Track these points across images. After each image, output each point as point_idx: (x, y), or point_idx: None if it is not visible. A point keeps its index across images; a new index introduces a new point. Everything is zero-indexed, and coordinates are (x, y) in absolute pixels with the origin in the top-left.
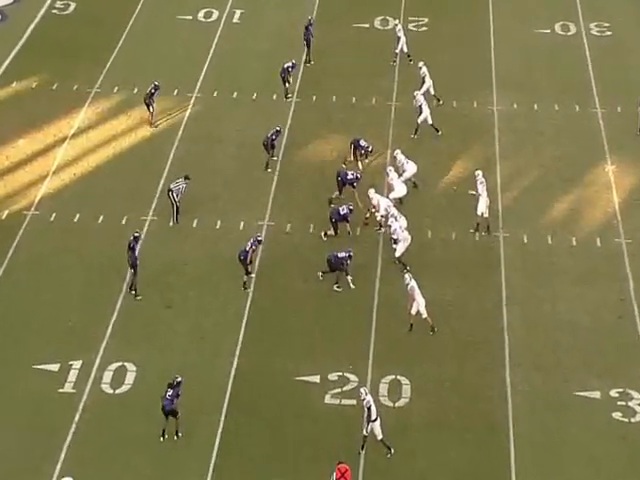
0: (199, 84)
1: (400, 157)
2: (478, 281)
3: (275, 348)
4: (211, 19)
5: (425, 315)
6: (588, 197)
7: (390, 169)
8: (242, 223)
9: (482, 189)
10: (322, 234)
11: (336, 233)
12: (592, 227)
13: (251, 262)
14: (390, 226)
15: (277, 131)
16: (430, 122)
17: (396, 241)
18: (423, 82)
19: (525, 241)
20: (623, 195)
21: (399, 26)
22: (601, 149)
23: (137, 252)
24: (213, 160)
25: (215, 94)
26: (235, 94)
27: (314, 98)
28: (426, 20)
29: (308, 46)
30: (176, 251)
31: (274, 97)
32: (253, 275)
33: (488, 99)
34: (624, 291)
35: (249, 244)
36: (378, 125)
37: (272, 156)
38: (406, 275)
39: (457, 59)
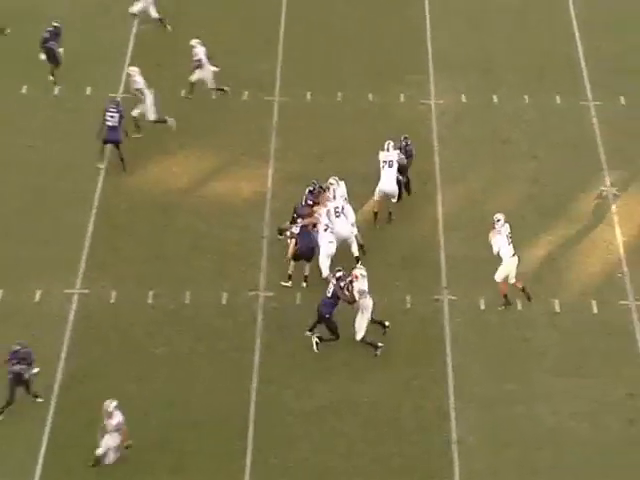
0: None
1: None
2: None
3: None
4: None
5: None
6: (580, 238)
7: None
8: (38, 293)
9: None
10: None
11: None
12: (586, 285)
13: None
14: None
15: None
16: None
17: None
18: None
19: (483, 307)
20: (630, 234)
21: None
22: (597, 163)
23: None
24: None
25: None
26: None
27: None
28: None
29: (54, 61)
30: None
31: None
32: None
33: (422, 88)
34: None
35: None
36: None
37: None
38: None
39: (371, 28)
